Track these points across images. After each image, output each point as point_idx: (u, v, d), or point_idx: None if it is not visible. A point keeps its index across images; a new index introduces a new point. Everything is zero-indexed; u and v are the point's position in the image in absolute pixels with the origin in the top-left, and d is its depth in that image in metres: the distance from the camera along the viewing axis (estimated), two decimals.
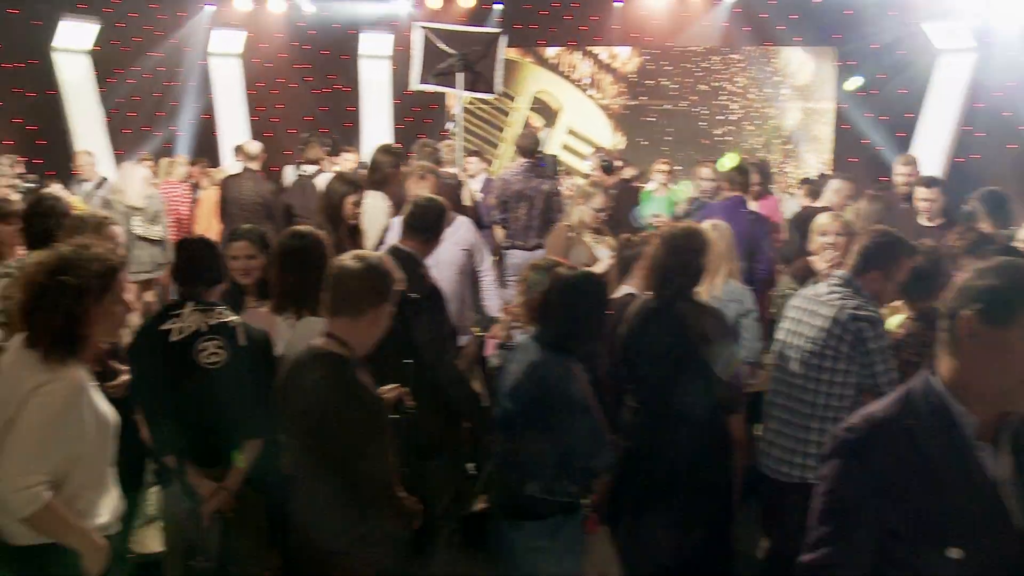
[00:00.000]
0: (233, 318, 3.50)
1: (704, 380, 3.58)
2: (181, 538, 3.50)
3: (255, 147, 8.62)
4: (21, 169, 9.21)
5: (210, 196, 9.19)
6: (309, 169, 9.13)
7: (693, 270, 3.75)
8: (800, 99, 14.09)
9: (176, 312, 3.47)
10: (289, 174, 9.92)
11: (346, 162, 9.44)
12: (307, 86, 14.73)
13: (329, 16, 14.54)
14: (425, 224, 4.32)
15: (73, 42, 13.00)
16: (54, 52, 12.90)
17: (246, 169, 8.48)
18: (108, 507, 2.77)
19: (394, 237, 4.79)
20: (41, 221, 4.18)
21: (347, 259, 3.03)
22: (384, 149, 6.28)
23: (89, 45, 13.15)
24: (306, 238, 3.85)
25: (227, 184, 8.44)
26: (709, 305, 3.87)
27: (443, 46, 8.11)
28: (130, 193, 8.23)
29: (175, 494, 3.48)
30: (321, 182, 8.60)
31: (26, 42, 12.42)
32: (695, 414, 3.55)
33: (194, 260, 3.61)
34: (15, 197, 6.77)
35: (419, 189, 5.32)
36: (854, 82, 12.46)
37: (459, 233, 5.22)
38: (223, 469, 3.41)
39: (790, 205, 9.16)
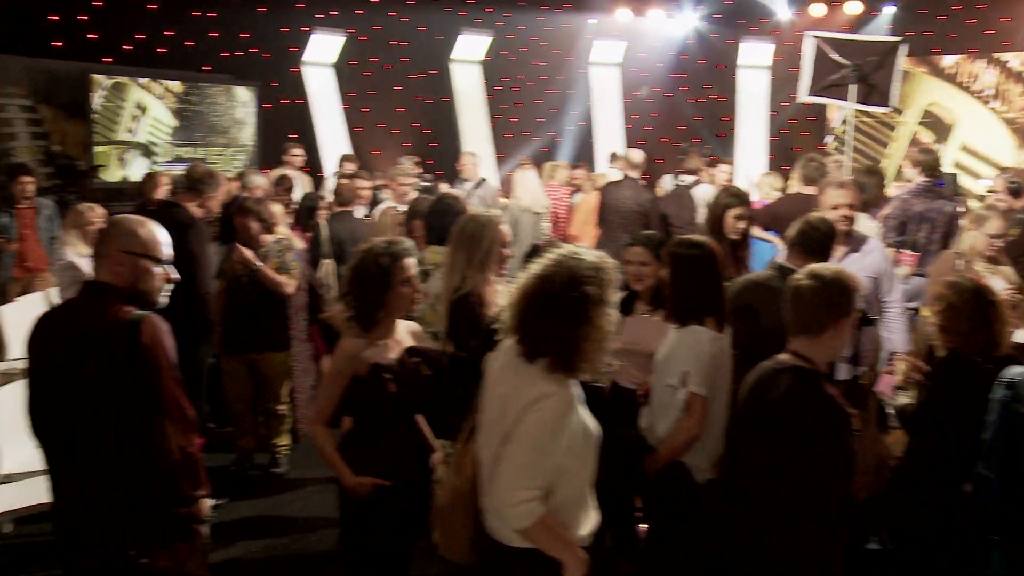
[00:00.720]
0: None
1: None
2: None
3: (638, 156, 8.84)
4: (420, 170, 10.50)
5: (589, 201, 9.54)
6: (687, 179, 9.46)
7: None
8: None
9: None
10: (667, 183, 10.35)
11: (722, 174, 9.61)
12: (682, 95, 15.10)
13: (708, 26, 14.90)
14: (814, 244, 4.18)
15: (468, 53, 14.61)
16: (452, 63, 14.57)
17: (626, 177, 8.72)
18: (586, 521, 2.74)
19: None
20: (440, 219, 4.58)
21: (802, 277, 3.04)
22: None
23: (481, 56, 14.70)
24: (699, 247, 3.75)
25: (607, 191, 8.65)
26: None
27: (836, 56, 7.91)
28: (525, 195, 9.00)
29: None
30: (698, 193, 9.03)
31: (429, 54, 14.16)
32: None
33: None
34: (412, 195, 7.58)
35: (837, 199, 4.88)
36: None
37: (869, 258, 4.86)
38: None
39: None
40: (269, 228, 5.94)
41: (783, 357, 3.03)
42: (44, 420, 2.81)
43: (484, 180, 9.72)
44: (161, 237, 2.97)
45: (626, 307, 4.08)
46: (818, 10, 14.13)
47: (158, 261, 2.94)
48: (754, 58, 14.78)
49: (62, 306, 3.08)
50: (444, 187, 8.83)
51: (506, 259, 3.97)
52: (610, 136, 14.81)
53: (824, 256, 4.16)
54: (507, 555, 2.65)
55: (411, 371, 3.40)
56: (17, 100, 10.31)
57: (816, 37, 8.22)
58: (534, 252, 4.11)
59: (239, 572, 4.79)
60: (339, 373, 3.38)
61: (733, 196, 5.24)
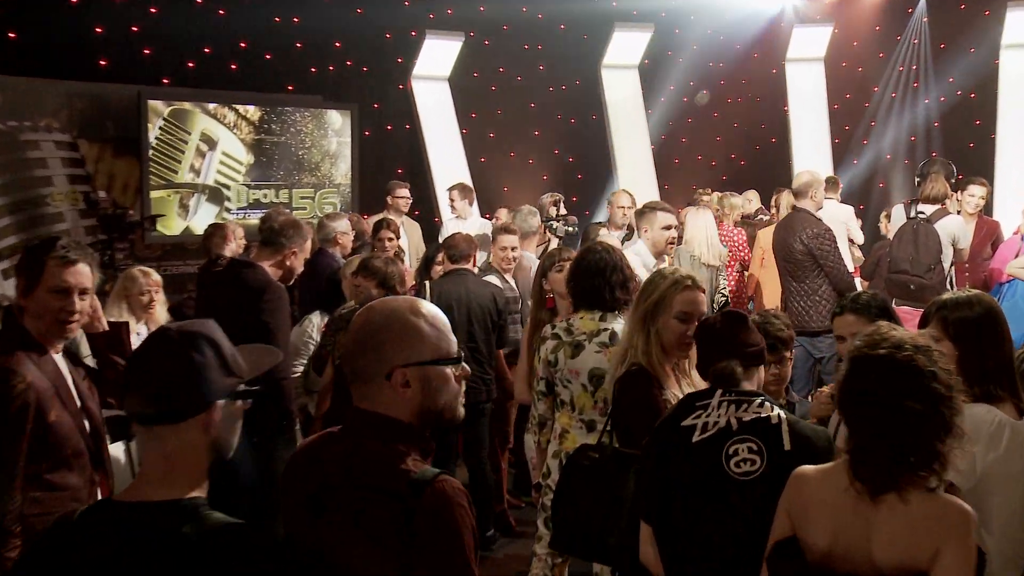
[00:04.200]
0: (777, 412, 3.48)
1: None
2: None
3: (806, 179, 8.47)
4: (557, 209, 10.41)
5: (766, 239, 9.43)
6: (927, 209, 8.95)
7: None
8: None
9: (703, 403, 3.54)
10: (898, 215, 9.85)
11: (972, 199, 9.25)
12: (915, 93, 14.98)
13: None
14: None
15: (623, 56, 14.68)
16: (603, 69, 14.65)
17: (795, 209, 8.36)
18: None
19: None
20: (591, 277, 4.92)
21: None
22: None
23: (638, 59, 14.80)
24: (972, 305, 3.72)
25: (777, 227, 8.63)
26: None
27: None
28: (698, 243, 8.65)
29: None
30: (947, 226, 8.49)
31: (573, 59, 14.26)
32: None
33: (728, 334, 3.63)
34: (553, 243, 7.60)
35: None
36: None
37: None
38: None
39: None
40: (393, 293, 5.92)
41: None
42: None
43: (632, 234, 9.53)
44: None
45: None
46: None
47: None
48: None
49: None
50: (603, 232, 8.75)
51: (689, 341, 4.04)
52: (815, 154, 14.49)
53: None
54: None
55: None
56: (53, 134, 10.60)
57: None
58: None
59: None
60: None
61: None
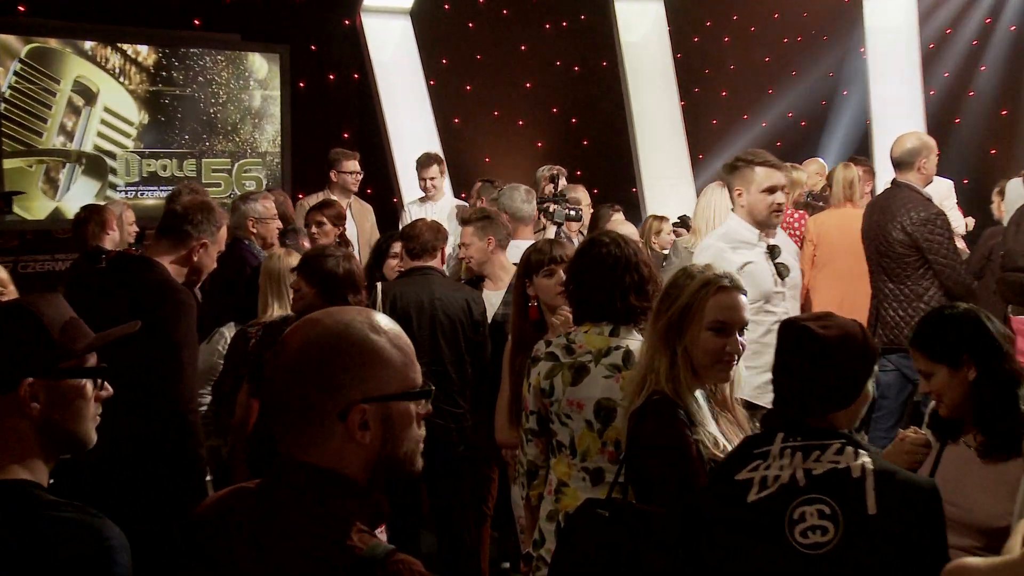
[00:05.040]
0: (862, 461, 3.43)
1: None
2: None
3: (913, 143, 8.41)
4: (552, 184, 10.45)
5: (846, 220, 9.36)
6: None
7: None
8: None
9: (762, 450, 3.54)
10: (1014, 192, 9.87)
11: None
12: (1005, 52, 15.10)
13: None
14: None
15: None
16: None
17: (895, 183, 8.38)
18: None
19: None
20: (597, 277, 4.86)
21: None
22: None
23: None
24: None
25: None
26: None
27: None
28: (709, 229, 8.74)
29: None
30: None
31: None
32: None
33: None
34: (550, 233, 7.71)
35: None
36: None
37: None
38: None
39: None
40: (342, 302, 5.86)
41: None
42: None
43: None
44: None
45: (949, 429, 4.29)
46: None
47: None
48: None
49: None
50: (616, 217, 8.95)
51: (730, 356, 4.08)
52: (902, 111, 14.59)
53: None
54: None
55: None
56: None
57: None
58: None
59: None
60: None
61: None
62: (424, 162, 10.63)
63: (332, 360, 2.59)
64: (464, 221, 7.43)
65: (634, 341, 4.64)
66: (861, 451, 3.41)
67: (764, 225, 6.51)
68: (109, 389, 3.05)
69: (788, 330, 3.60)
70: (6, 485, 2.75)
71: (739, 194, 6.56)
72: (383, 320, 2.71)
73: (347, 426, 2.59)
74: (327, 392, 2.59)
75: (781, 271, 6.42)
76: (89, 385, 3.03)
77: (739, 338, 4.07)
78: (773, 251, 6.46)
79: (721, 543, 3.44)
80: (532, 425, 4.90)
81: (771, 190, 6.45)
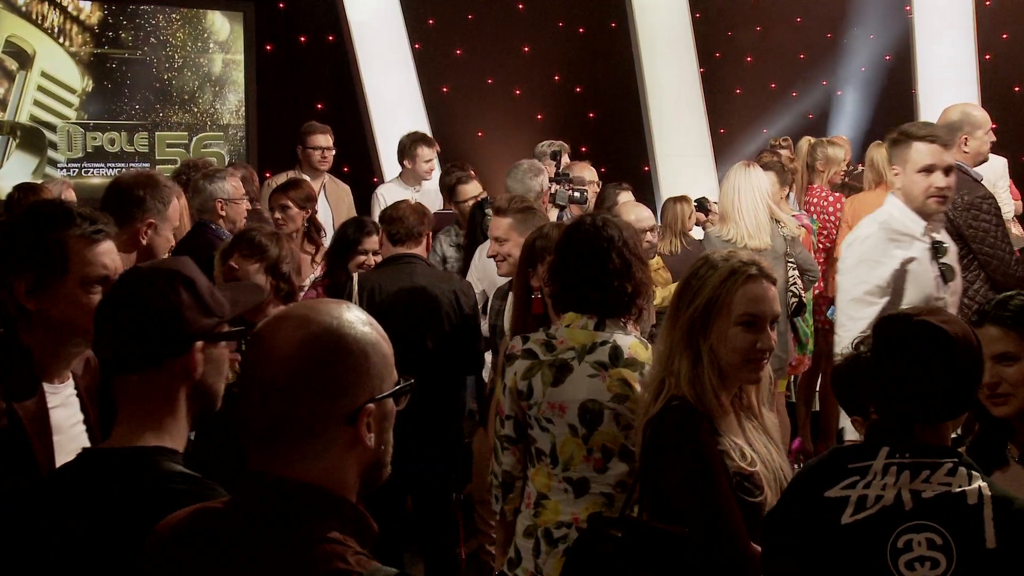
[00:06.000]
0: (978, 485, 3.40)
1: None
2: None
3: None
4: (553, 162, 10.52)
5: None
6: None
7: None
8: None
9: (860, 465, 3.49)
10: None
11: None
12: None
13: None
14: None
15: None
16: None
17: None
18: None
19: None
20: (583, 263, 4.94)
21: None
22: None
23: None
24: None
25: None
26: None
27: None
28: (744, 216, 8.77)
29: None
30: None
31: None
32: None
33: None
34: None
35: None
36: None
37: None
38: None
39: None
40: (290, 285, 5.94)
41: None
42: None
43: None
44: None
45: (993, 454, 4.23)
46: None
47: None
48: None
49: None
50: (623, 197, 9.12)
51: (762, 354, 4.15)
52: (952, 79, 14.62)
53: None
54: None
55: None
56: None
57: None
58: None
59: None
60: None
61: None
62: (421, 140, 10.56)
63: (335, 361, 2.62)
64: (498, 210, 7.10)
65: (622, 336, 4.73)
66: (975, 473, 3.39)
67: (921, 213, 6.38)
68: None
69: (910, 327, 3.50)
70: (134, 452, 3.03)
71: (896, 174, 6.48)
72: (360, 310, 2.76)
73: (356, 430, 2.64)
74: (331, 397, 2.62)
75: (946, 274, 6.40)
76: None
77: (771, 332, 4.06)
78: (938, 249, 6.41)
79: (805, 570, 3.42)
80: (508, 432, 4.94)
81: (929, 169, 6.28)
